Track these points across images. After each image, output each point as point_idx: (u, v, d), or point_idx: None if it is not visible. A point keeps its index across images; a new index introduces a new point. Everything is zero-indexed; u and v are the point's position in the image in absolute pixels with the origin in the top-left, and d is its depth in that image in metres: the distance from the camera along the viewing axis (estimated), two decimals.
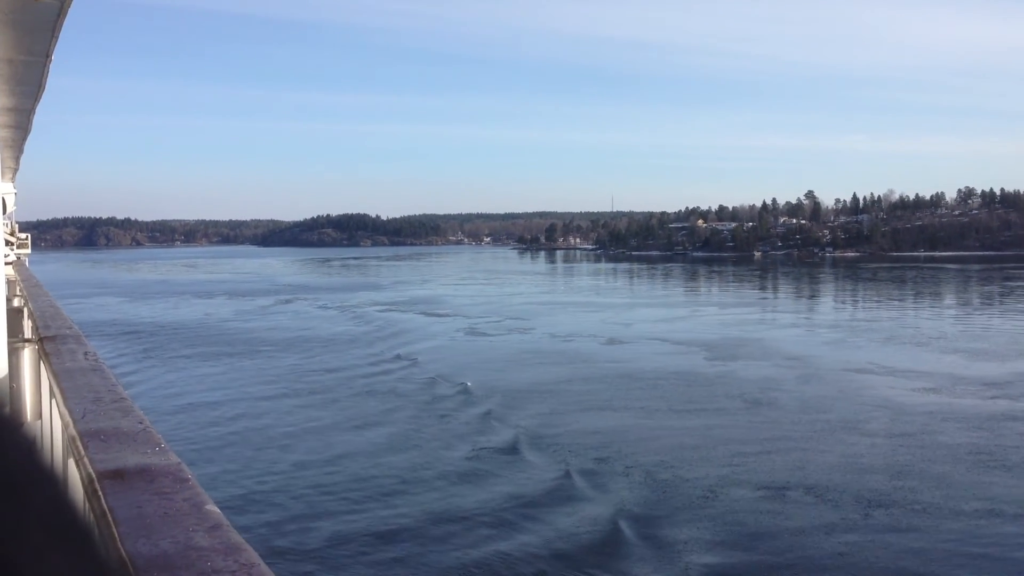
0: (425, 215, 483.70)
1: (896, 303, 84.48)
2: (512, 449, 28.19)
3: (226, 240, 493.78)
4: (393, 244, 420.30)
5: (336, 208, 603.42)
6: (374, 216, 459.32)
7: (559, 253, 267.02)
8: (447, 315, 72.08)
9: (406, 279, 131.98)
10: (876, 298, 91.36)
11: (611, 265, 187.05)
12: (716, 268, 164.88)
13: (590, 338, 56.17)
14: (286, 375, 42.79)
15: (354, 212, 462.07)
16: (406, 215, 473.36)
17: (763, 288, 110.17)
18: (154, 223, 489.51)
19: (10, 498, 0.53)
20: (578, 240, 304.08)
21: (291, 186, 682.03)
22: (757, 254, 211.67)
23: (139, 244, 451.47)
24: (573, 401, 36.00)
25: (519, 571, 18.22)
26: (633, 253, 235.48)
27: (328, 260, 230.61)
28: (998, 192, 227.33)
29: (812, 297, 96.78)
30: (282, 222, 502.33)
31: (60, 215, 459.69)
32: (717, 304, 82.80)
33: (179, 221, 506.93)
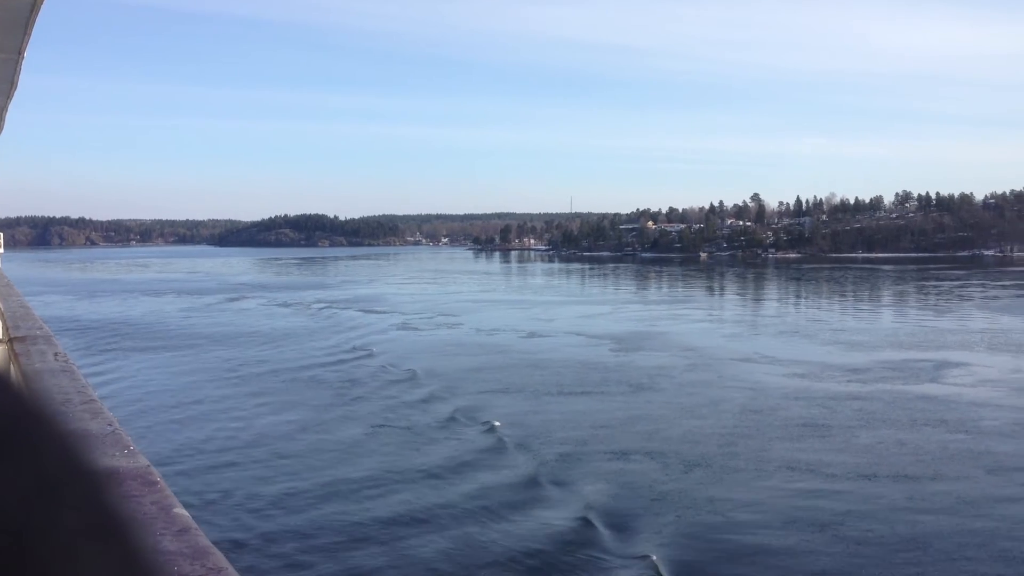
0: (384, 216, 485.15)
1: (810, 301, 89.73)
2: (415, 425, 32.01)
3: (183, 240, 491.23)
4: (351, 245, 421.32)
5: (294, 208, 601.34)
6: (332, 216, 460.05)
7: (513, 254, 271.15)
8: (384, 312, 75.72)
9: (354, 278, 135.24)
10: (794, 296, 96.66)
11: (560, 265, 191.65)
12: (660, 269, 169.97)
13: (511, 332, 60.19)
14: (220, 367, 46.12)
15: (312, 212, 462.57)
16: (365, 216, 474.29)
17: (695, 287, 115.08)
18: (109, 223, 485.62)
19: None
20: (532, 241, 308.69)
21: (249, 186, 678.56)
22: (703, 255, 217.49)
23: (94, 244, 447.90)
24: (474, 386, 39.82)
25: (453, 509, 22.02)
26: (584, 254, 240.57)
27: (284, 260, 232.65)
28: (934, 196, 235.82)
29: (735, 295, 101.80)
30: (240, 222, 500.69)
31: (12, 214, 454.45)
32: (643, 302, 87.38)
33: (134, 221, 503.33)
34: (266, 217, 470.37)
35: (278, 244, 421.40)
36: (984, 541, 19.67)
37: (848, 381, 40.44)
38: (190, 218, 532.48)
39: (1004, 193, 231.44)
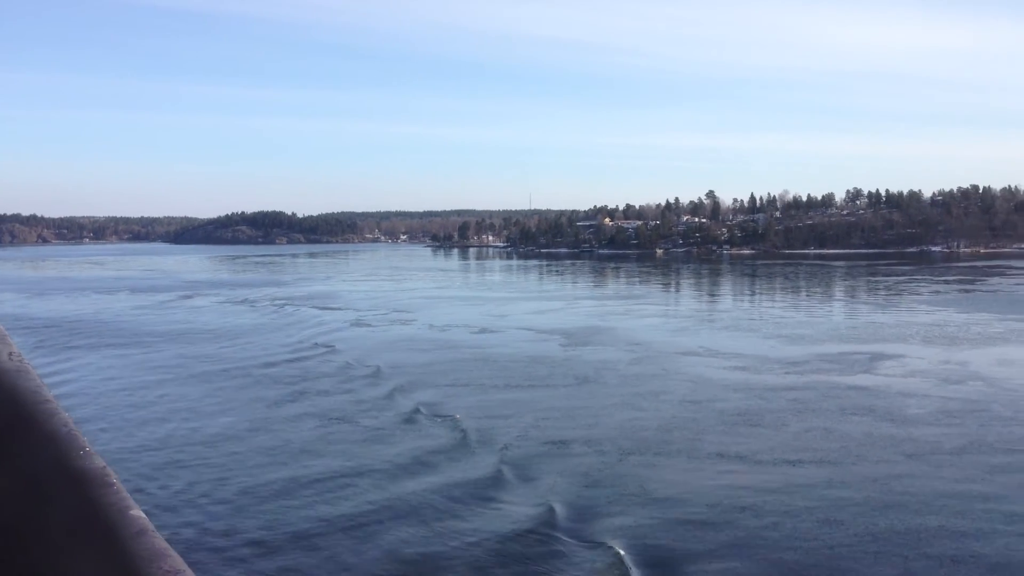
0: (343, 213, 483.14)
1: (758, 296, 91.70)
2: (366, 419, 32.75)
3: (137, 237, 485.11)
4: (309, 242, 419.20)
5: (252, 206, 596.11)
6: (290, 214, 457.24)
7: (472, 251, 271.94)
8: (338, 308, 76.16)
9: (310, 276, 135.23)
10: (743, 292, 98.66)
11: (518, 262, 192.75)
12: (616, 265, 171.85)
13: (464, 328, 61.06)
14: (175, 365, 46.34)
15: (270, 210, 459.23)
16: (323, 213, 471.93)
17: (647, 283, 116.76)
18: (61, 220, 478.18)
19: None
20: (491, 238, 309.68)
21: (206, 183, 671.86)
22: (659, 251, 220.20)
23: (46, 241, 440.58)
24: (425, 380, 40.61)
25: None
26: (542, 250, 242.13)
27: (240, 257, 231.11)
28: (884, 193, 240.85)
29: (686, 291, 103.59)
30: (196, 219, 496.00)
31: None
32: (595, 298, 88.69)
33: (88, 218, 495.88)
34: (223, 214, 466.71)
35: (235, 241, 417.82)
36: (894, 518, 20.94)
37: (786, 373, 41.87)
38: (145, 215, 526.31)
39: (952, 190, 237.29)
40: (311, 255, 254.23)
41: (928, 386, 38.04)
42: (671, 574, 17.98)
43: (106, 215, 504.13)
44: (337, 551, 19.57)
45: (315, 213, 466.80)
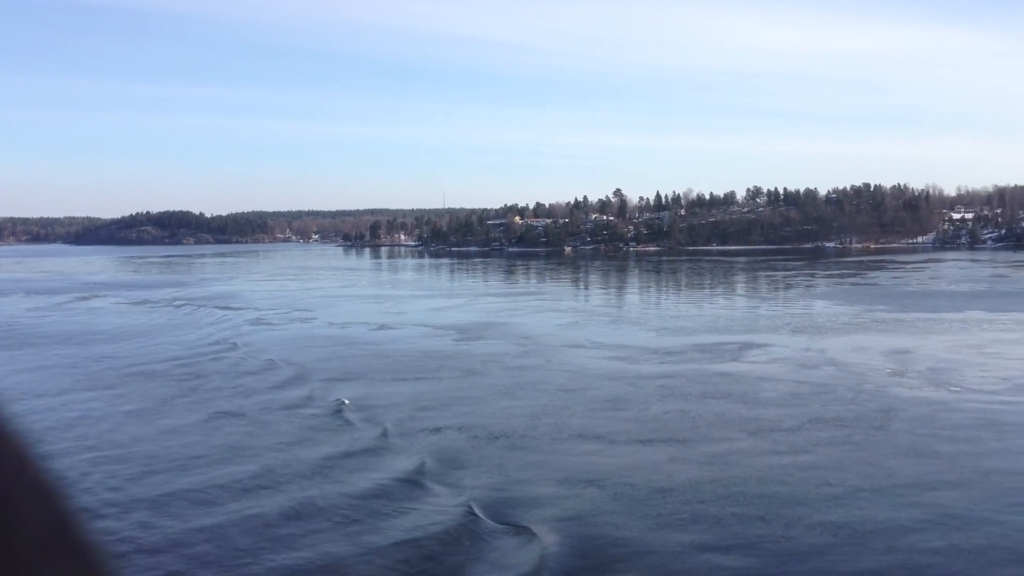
0: (253, 212, 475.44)
1: (653, 291, 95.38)
2: (261, 411, 34.00)
3: (36, 239, 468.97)
4: (218, 242, 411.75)
5: (158, 205, 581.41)
6: (198, 214, 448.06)
7: (383, 250, 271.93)
8: (240, 308, 76.49)
9: (214, 276, 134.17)
10: (640, 287, 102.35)
11: (428, 261, 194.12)
12: (524, 263, 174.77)
13: (363, 325, 62.39)
14: (69, 366, 46.47)
15: (177, 209, 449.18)
16: (233, 213, 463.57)
17: (550, 280, 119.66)
18: None
19: None
20: (403, 237, 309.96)
21: (109, 183, 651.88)
22: (567, 249, 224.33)
23: None
24: (317, 374, 41.98)
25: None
26: (453, 249, 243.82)
27: (144, 258, 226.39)
28: (782, 191, 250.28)
29: (586, 287, 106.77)
30: (99, 219, 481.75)
31: None
32: (496, 294, 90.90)
33: None
34: (127, 214, 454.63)
35: (140, 242, 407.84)
36: (720, 486, 23.38)
37: (660, 362, 44.57)
38: (44, 216, 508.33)
39: (845, 188, 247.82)
40: (220, 255, 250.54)
41: (785, 371, 41.16)
42: (513, 532, 20.04)
43: (2, 215, 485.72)
44: (216, 515, 20.91)
45: (224, 213, 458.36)
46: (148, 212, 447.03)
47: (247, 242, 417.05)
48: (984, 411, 31.76)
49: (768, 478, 24.15)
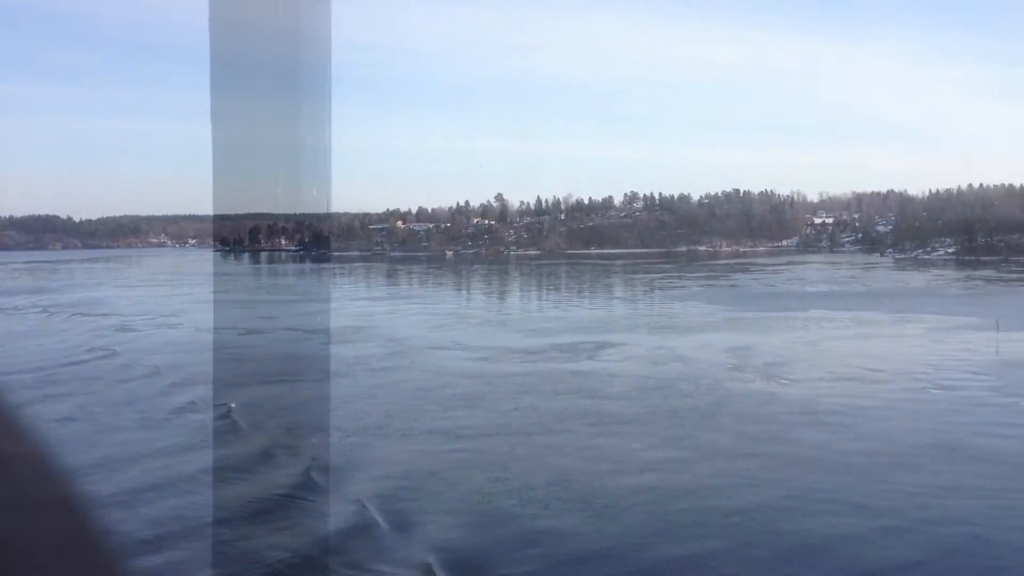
0: (126, 216, 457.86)
1: (526, 293, 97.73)
2: (116, 413, 33.90)
3: None
4: (88, 247, 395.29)
5: (21, 209, 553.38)
6: (66, 218, 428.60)
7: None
8: (103, 315, 74.63)
9: (81, 282, 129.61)
10: (514, 290, 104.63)
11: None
12: (405, 267, 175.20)
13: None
14: None
15: (43, 213, 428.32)
16: (104, 216, 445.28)
17: (427, 284, 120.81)
18: None
19: None
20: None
21: None
22: (449, 253, 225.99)
23: None
24: (175, 378, 41.94)
25: None
26: (335, 254, 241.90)
27: (6, 264, 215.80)
28: (657, 197, 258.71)
29: (461, 290, 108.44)
30: None
31: None
32: (371, 298, 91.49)
33: None
34: None
35: (1, 248, 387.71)
36: (556, 470, 25.05)
37: (520, 362, 46.28)
38: None
39: (716, 194, 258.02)
40: (90, 260, 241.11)
41: (634, 368, 43.47)
42: (351, 519, 21.17)
43: None
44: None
45: (95, 217, 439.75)
46: (11, 216, 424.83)
47: (119, 247, 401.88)
48: (804, 400, 34.69)
49: (597, 458, 26.04)
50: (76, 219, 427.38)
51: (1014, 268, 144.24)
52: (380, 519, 21.07)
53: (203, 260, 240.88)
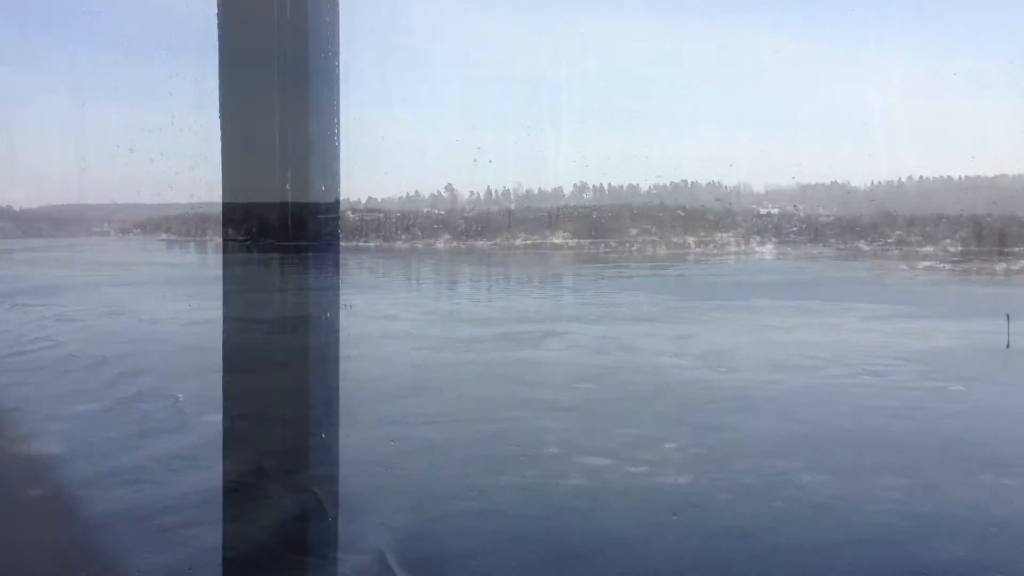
0: (67, 205, 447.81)
1: (473, 283, 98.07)
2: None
3: None
4: (28, 236, 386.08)
5: None
6: (4, 207, 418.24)
7: (209, 245, 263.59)
8: (47, 305, 73.15)
9: (24, 274, 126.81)
10: (461, 281, 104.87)
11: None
12: (354, 258, 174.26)
13: (170, 320, 61.34)
14: None
15: None
16: (46, 205, 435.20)
17: (376, 274, 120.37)
18: None
19: None
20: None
21: None
22: (400, 243, 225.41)
23: None
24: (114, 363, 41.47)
25: None
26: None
27: None
28: (607, 187, 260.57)
29: (410, 281, 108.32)
30: None
31: None
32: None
33: None
34: None
35: None
36: (491, 454, 25.56)
37: (465, 351, 46.54)
38: None
39: (665, 184, 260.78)
40: (28, 249, 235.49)
41: (578, 357, 44.01)
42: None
43: None
44: None
45: (36, 206, 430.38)
46: None
47: (60, 236, 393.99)
48: (737, 386, 35.62)
49: (529, 441, 26.68)
50: (16, 208, 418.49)
51: (953, 259, 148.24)
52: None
53: (148, 250, 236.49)
